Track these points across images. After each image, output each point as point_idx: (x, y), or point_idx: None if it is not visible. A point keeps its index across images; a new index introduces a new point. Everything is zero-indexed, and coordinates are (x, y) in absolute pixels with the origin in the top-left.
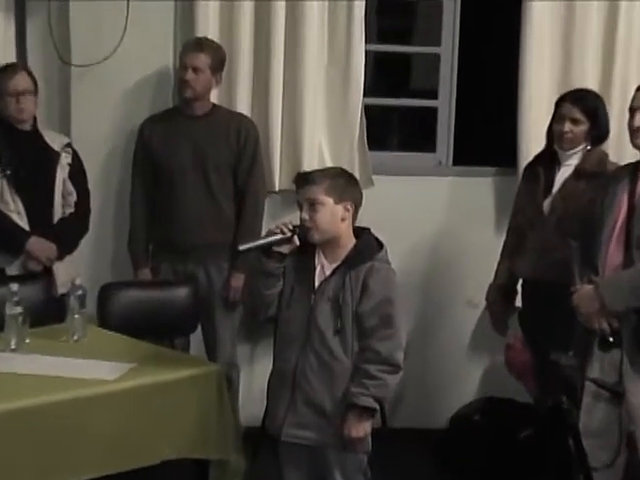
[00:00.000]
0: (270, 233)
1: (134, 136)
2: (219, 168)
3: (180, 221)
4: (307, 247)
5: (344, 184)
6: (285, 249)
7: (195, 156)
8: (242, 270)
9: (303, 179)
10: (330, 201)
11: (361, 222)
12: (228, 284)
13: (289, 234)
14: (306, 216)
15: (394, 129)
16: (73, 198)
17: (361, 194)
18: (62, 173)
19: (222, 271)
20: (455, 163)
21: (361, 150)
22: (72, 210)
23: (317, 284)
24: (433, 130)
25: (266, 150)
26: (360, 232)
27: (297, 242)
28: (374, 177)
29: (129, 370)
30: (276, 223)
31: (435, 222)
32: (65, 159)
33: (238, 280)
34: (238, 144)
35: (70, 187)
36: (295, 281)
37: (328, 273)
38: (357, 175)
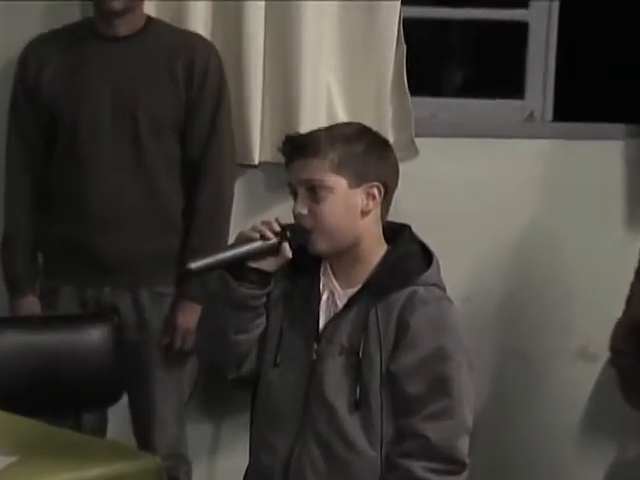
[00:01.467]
0: (243, 239)
1: (12, 69)
2: (157, 127)
3: (91, 215)
4: (306, 262)
5: (367, 154)
6: (269, 265)
7: (116, 106)
8: (196, 299)
9: (297, 146)
10: (343, 183)
11: (397, 217)
12: (173, 322)
13: (275, 240)
14: (303, 209)
15: (454, 61)
16: None
17: (397, 170)
18: None
19: (162, 301)
20: (557, 117)
21: (398, 95)
22: None
23: (323, 324)
24: (520, 63)
25: (238, 98)
26: (395, 233)
27: (289, 253)
28: (419, 141)
29: (6, 467)
30: (254, 223)
31: (523, 214)
32: None
33: (190, 316)
34: (189, 86)
35: None
36: (287, 319)
37: (341, 305)
38: (390, 138)
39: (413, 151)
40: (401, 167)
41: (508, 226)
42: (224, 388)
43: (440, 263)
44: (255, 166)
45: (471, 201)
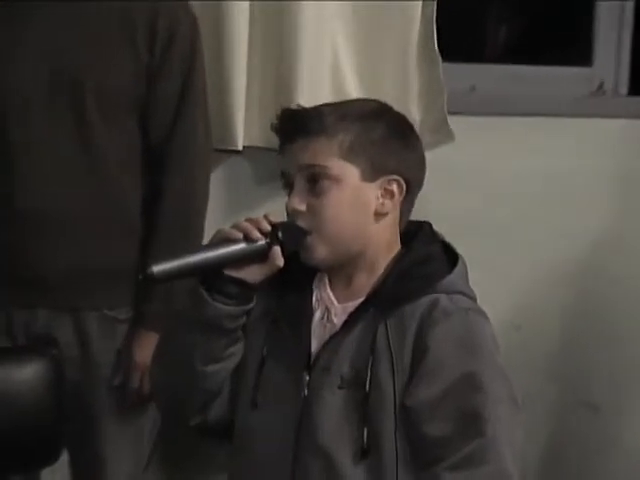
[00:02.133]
0: (222, 240)
1: None
2: (110, 106)
3: (22, 217)
4: (296, 271)
5: (386, 138)
6: (254, 275)
7: (54, 78)
8: (159, 327)
9: (297, 122)
10: (353, 173)
11: (421, 216)
12: (128, 356)
13: (263, 242)
14: (300, 204)
15: (499, 17)
16: None
17: (422, 161)
18: None
19: (114, 328)
20: (633, 91)
21: (426, 63)
22: None
23: (316, 348)
24: (586, 20)
25: (217, 68)
26: (410, 234)
27: (280, 260)
28: (454, 121)
29: None
30: (236, 221)
31: (589, 215)
32: None
33: (150, 348)
34: (151, 54)
35: None
36: (270, 345)
37: (340, 323)
38: (416, 118)
39: (446, 135)
40: (430, 156)
41: (570, 231)
42: (193, 443)
43: (480, 280)
44: (238, 152)
45: (520, 199)
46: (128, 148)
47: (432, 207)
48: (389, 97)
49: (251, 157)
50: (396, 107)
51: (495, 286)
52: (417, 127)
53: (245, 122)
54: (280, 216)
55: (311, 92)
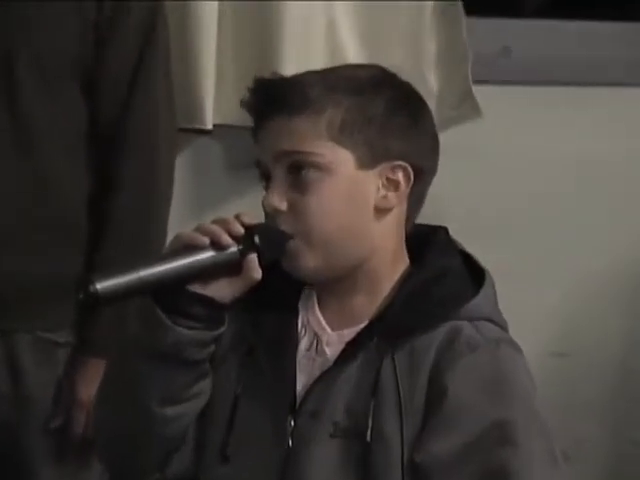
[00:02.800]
0: (182, 248)
1: None
2: (48, 79)
3: None
4: (277, 287)
5: (389, 114)
6: (224, 291)
7: None
8: (104, 352)
9: (274, 96)
10: (347, 159)
11: (436, 220)
12: (70, 389)
13: (235, 249)
14: (280, 202)
15: None
16: None
17: (435, 142)
18: None
19: (52, 355)
20: None
21: (444, 20)
22: None
23: (302, 387)
24: None
25: (181, 32)
26: (422, 241)
27: (257, 272)
28: (482, 91)
29: None
30: (202, 222)
31: None
32: None
33: (93, 379)
34: (99, 12)
35: None
36: (244, 382)
37: (333, 354)
38: (432, 87)
39: (470, 109)
40: (450, 136)
41: (629, 235)
42: None
43: (508, 296)
44: (208, 132)
45: (566, 194)
46: (70, 126)
47: (446, 206)
48: (397, 63)
49: (222, 138)
50: (407, 75)
51: (528, 304)
52: (434, 100)
53: (216, 96)
54: (259, 215)
55: (299, 58)
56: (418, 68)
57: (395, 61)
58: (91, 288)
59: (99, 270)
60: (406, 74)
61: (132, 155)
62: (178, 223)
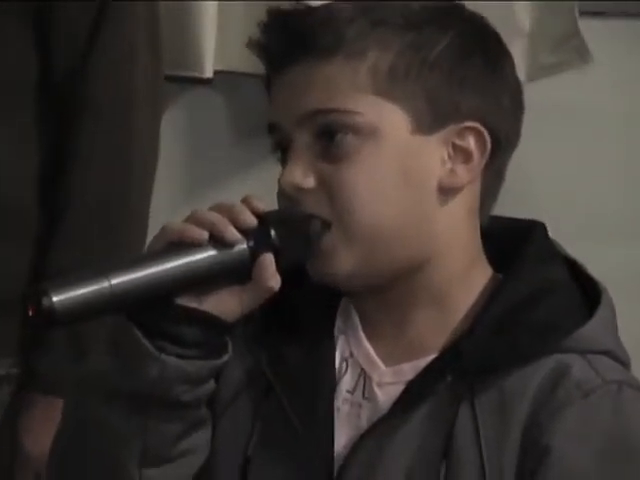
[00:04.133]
0: (172, 245)
1: None
2: None
3: None
4: (305, 301)
5: (453, 57)
6: (226, 307)
7: None
8: (58, 388)
9: (289, 35)
10: (398, 119)
11: (526, 213)
12: (14, 439)
13: (242, 248)
14: (305, 177)
15: None
16: None
17: (518, 97)
18: None
19: None
20: None
21: None
22: None
23: (344, 444)
24: None
25: None
26: (513, 243)
27: (273, 281)
28: (593, 26)
29: None
30: (198, 207)
31: None
32: None
33: (43, 424)
34: None
35: None
36: (262, 436)
37: (386, 400)
38: (524, 23)
39: (577, 52)
40: (545, 93)
41: None
42: None
43: (626, 315)
44: (207, 81)
45: None
46: (16, 79)
47: (540, 192)
48: None
49: (225, 91)
50: (486, 9)
51: None
52: (524, 40)
53: (218, 36)
54: (272, 199)
55: None
56: None
57: None
58: (45, 302)
59: (53, 276)
60: (486, 6)
61: (95, 120)
62: (167, 210)
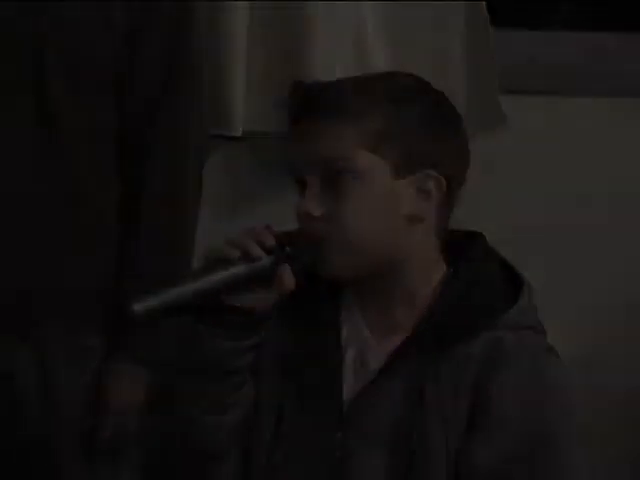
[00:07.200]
0: (216, 261)
1: None
2: (77, 77)
3: None
4: (316, 295)
5: (424, 124)
6: (259, 302)
7: (4, 44)
8: (139, 359)
9: (311, 101)
10: (383, 168)
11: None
12: (102, 395)
13: (267, 261)
14: (315, 208)
15: None
16: None
17: (466, 151)
18: None
19: (82, 359)
20: None
21: (472, 30)
22: None
23: (349, 399)
24: None
25: (212, 35)
26: (458, 248)
27: (290, 282)
28: (508, 100)
29: None
30: (234, 235)
31: None
32: None
33: (125, 384)
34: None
35: None
36: (288, 392)
37: (376, 366)
38: (460, 97)
39: (497, 118)
40: (481, 147)
41: None
42: None
43: (549, 311)
44: (239, 139)
45: (597, 203)
46: (100, 127)
47: (475, 212)
48: (425, 71)
49: (253, 146)
50: (434, 84)
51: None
52: (461, 109)
53: (246, 103)
54: (289, 223)
55: (327, 64)
56: (444, 76)
57: (422, 70)
58: (128, 310)
59: (129, 278)
60: (434, 82)
61: (157, 164)
62: (210, 230)
